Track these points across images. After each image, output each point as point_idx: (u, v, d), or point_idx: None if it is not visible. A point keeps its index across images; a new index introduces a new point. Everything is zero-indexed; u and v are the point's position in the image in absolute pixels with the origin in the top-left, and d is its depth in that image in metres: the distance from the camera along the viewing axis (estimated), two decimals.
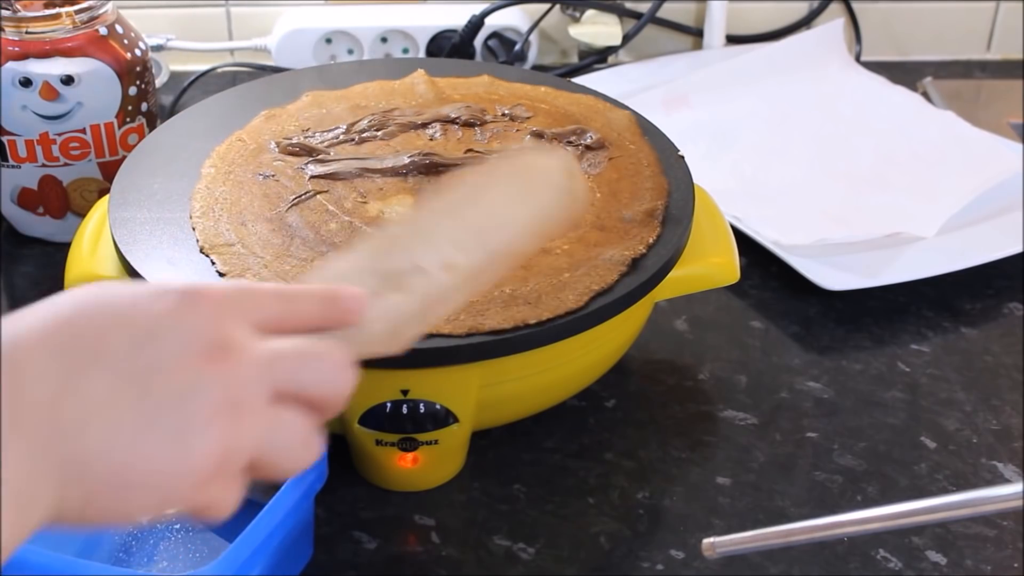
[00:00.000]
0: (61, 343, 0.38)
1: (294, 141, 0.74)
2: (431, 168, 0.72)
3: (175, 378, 0.39)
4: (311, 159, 0.72)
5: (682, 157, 0.76)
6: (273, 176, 0.71)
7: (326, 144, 0.74)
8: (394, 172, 0.71)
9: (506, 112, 0.78)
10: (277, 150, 0.73)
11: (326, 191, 0.70)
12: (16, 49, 0.82)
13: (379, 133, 0.75)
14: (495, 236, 0.52)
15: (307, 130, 0.75)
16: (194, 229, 0.67)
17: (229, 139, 0.75)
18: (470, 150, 0.74)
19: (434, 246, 0.50)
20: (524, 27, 1.12)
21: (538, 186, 0.55)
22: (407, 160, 0.72)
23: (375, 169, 0.71)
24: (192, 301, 0.41)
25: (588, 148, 0.75)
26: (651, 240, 0.68)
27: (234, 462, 0.41)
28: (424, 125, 0.76)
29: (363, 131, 0.75)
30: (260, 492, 0.63)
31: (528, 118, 0.78)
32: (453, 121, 0.77)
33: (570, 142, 0.76)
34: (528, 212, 0.53)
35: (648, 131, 0.78)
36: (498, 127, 0.77)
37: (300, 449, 0.43)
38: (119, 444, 0.38)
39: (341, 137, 0.75)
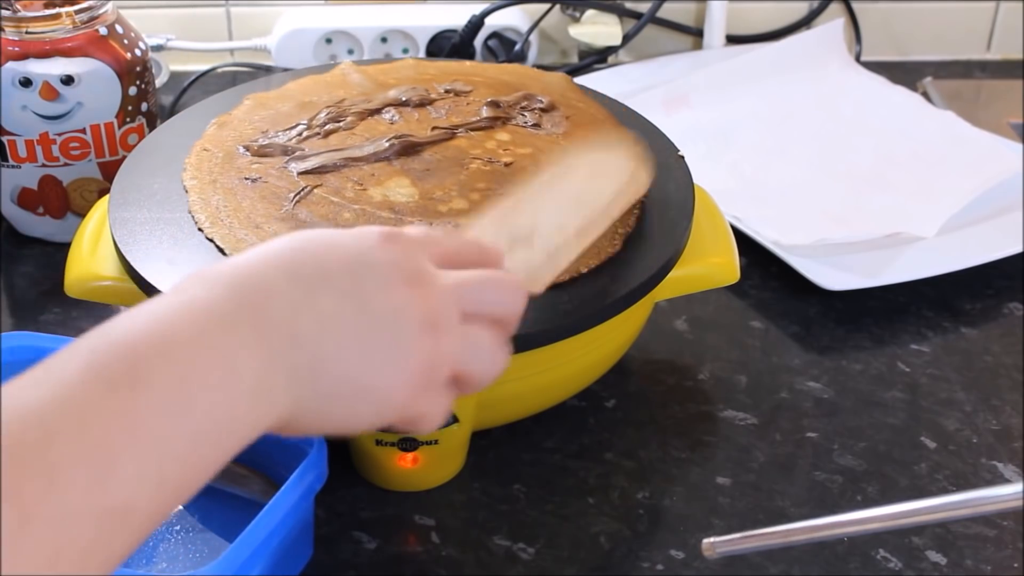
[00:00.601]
0: (294, 269, 0.45)
1: (263, 143, 0.74)
2: (411, 148, 0.72)
3: (386, 299, 0.45)
4: (289, 158, 0.72)
5: (682, 157, 0.76)
6: (260, 179, 0.70)
7: (295, 141, 0.74)
8: (377, 158, 0.72)
9: (448, 88, 0.79)
10: (249, 154, 0.73)
11: (320, 184, 0.70)
12: (16, 49, 0.82)
13: (340, 124, 0.75)
14: (588, 204, 0.61)
15: (266, 131, 0.75)
16: (211, 240, 0.66)
17: (194, 150, 0.74)
18: (436, 127, 0.75)
19: (545, 212, 0.59)
20: (524, 27, 1.12)
21: (612, 167, 0.65)
22: (387, 144, 0.72)
23: (358, 157, 0.72)
24: (391, 239, 0.47)
25: (543, 111, 0.77)
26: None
27: (439, 374, 0.47)
28: (378, 111, 0.77)
29: (324, 124, 0.75)
30: (260, 492, 0.63)
31: (470, 91, 0.79)
32: (405, 103, 0.77)
33: (524, 107, 0.77)
34: (609, 186, 0.63)
35: (586, 89, 0.81)
36: (448, 103, 0.78)
37: (491, 360, 0.49)
38: (345, 355, 0.44)
39: (305, 133, 0.74)
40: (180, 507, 0.65)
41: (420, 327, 0.46)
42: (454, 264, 0.50)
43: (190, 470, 0.40)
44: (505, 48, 1.12)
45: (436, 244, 0.50)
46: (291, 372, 0.43)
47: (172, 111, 1.06)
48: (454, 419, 0.64)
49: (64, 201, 0.87)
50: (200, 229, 0.67)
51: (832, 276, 0.83)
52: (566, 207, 0.61)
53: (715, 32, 1.15)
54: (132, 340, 0.39)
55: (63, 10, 0.83)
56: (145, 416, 0.38)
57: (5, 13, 0.82)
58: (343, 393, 0.45)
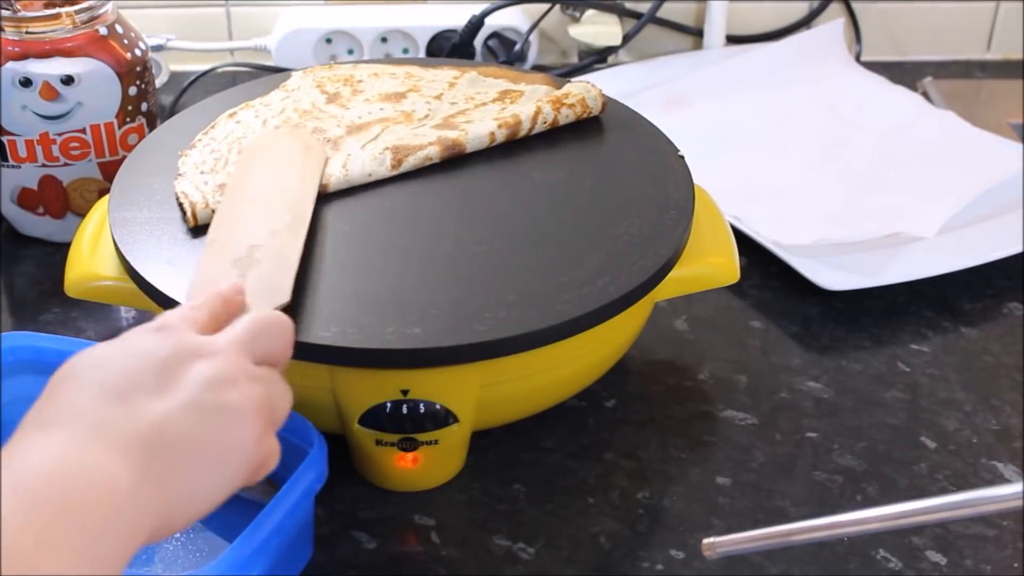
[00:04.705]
0: (106, 392, 0.46)
1: None
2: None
3: (193, 377, 0.48)
4: None
5: (682, 157, 0.76)
6: None
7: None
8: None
9: None
10: None
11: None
12: (16, 49, 0.82)
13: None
14: (281, 196, 0.66)
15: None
16: None
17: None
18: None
19: (248, 225, 0.63)
20: (524, 27, 1.12)
21: (279, 152, 0.71)
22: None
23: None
24: (161, 329, 0.50)
25: None
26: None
27: (265, 416, 0.50)
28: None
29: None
30: (260, 492, 0.63)
31: None
32: None
33: None
34: (289, 170, 0.68)
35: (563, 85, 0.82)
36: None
37: (286, 393, 0.53)
38: (190, 437, 0.47)
39: None
40: None
41: (230, 386, 0.48)
42: (217, 323, 0.53)
43: None
44: (505, 48, 1.12)
45: (195, 315, 0.53)
46: (153, 477, 0.45)
47: (172, 111, 1.06)
48: (454, 419, 0.64)
49: (64, 201, 0.87)
50: None
51: (832, 276, 0.83)
52: (264, 210, 0.65)
53: (715, 32, 1.15)
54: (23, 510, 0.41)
55: (63, 10, 0.83)
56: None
57: (5, 13, 0.82)
58: (205, 468, 0.47)
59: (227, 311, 0.55)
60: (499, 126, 0.75)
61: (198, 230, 0.67)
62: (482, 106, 0.78)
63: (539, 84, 0.81)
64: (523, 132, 0.76)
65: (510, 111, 0.77)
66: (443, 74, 0.82)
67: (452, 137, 0.74)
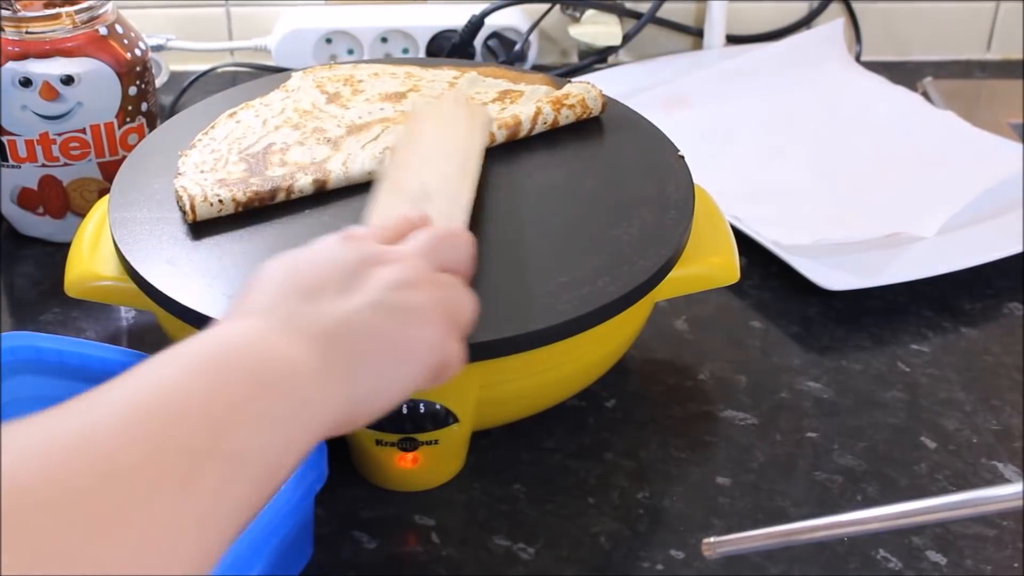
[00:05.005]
0: (299, 289, 0.49)
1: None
2: None
3: (376, 279, 0.51)
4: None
5: (682, 157, 0.76)
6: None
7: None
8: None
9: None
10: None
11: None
12: (16, 49, 0.82)
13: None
14: (450, 148, 0.69)
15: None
16: None
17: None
18: None
19: (422, 171, 0.66)
20: (524, 27, 1.12)
21: (447, 113, 0.73)
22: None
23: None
24: (348, 238, 0.54)
25: None
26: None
27: (448, 320, 0.52)
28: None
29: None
30: None
31: None
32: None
33: None
34: (456, 128, 0.71)
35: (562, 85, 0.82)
36: None
37: (469, 300, 0.55)
38: (375, 330, 0.49)
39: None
40: None
41: (413, 288, 0.51)
42: (399, 239, 0.56)
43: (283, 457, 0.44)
44: (505, 48, 1.12)
45: (379, 232, 0.56)
46: (339, 367, 0.47)
47: (172, 111, 1.06)
48: (454, 419, 0.64)
49: (64, 201, 0.87)
50: None
51: (832, 276, 0.83)
52: (435, 158, 0.68)
53: (715, 32, 1.15)
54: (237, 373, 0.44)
55: (63, 10, 0.83)
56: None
57: (5, 13, 0.82)
58: (388, 362, 0.49)
59: (409, 230, 0.57)
60: (499, 127, 0.75)
61: (198, 230, 0.67)
62: (482, 106, 0.78)
63: (539, 84, 0.81)
64: (523, 133, 0.76)
65: (510, 111, 0.77)
66: (443, 74, 0.82)
67: None
